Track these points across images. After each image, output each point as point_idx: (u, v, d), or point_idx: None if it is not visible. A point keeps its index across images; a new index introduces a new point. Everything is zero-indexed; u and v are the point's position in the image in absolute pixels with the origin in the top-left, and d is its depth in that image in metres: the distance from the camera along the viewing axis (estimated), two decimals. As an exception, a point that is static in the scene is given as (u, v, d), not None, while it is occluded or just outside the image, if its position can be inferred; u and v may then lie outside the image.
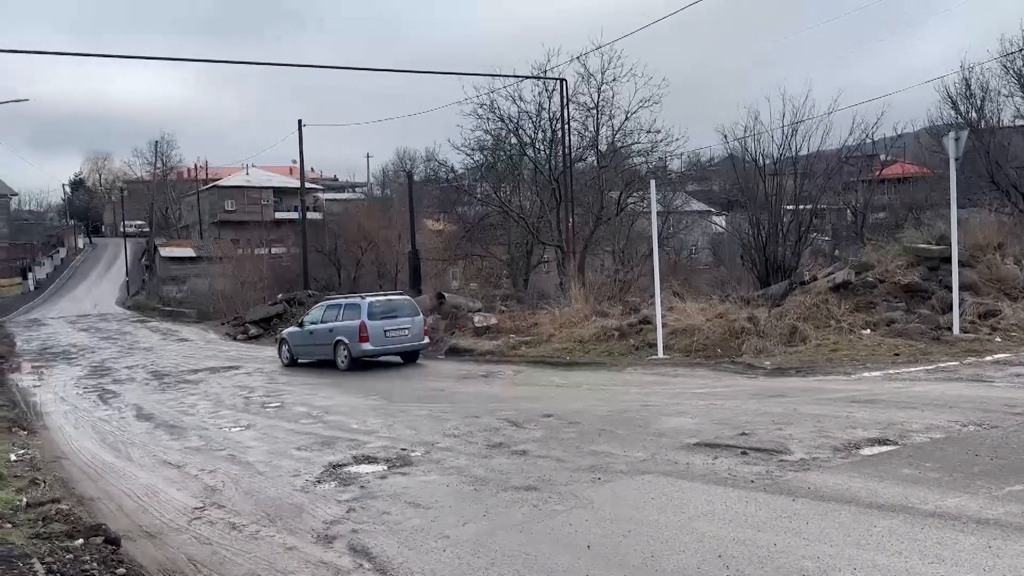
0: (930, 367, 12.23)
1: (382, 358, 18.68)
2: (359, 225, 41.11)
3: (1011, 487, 5.93)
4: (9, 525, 6.34)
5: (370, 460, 8.53)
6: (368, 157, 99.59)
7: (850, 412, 9.03)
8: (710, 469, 7.11)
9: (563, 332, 18.87)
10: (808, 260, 25.43)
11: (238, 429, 11.27)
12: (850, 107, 60.62)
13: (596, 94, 28.65)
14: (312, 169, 68.83)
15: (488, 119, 29.60)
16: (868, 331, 15.06)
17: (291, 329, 20.69)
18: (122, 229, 76.71)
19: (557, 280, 28.09)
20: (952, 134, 14.92)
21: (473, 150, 31.02)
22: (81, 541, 5.92)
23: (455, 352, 19.74)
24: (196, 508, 7.20)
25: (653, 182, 19.12)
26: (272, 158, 77.34)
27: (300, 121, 33.80)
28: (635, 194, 29.70)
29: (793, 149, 25.07)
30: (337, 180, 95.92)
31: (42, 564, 5.02)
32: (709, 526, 5.59)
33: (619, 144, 29.83)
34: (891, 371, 12.22)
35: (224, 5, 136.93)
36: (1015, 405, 8.87)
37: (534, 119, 29.67)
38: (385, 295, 20.12)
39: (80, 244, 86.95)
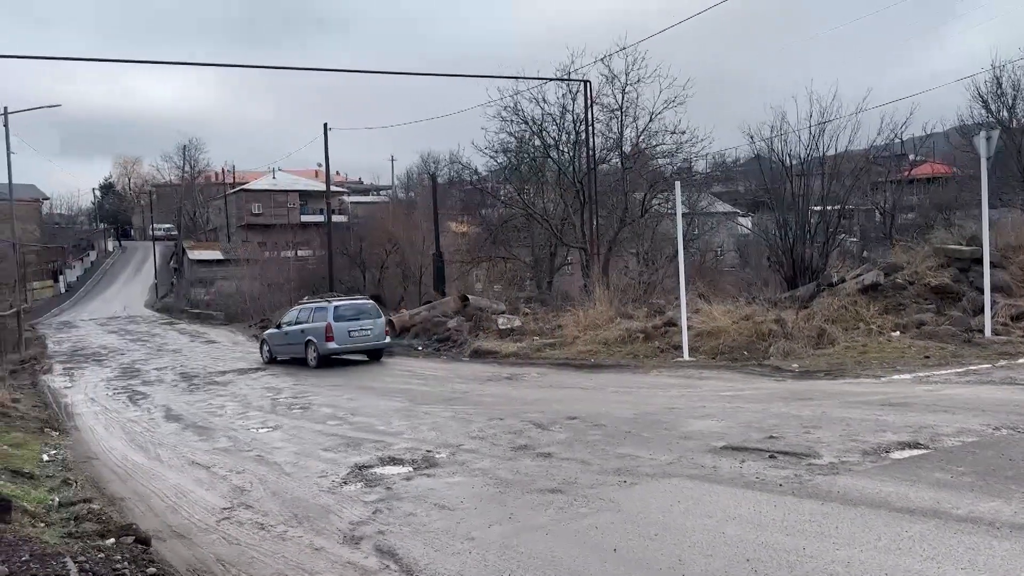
0: (961, 370, 12.04)
1: (346, 356, 20.37)
2: (384, 227, 41.39)
3: (1047, 492, 5.81)
4: (42, 524, 6.45)
5: (396, 461, 8.57)
6: (392, 160, 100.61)
7: (880, 415, 8.90)
8: (737, 472, 7.04)
9: (587, 334, 18.81)
10: (836, 261, 25.11)
11: (265, 430, 11.38)
12: (878, 107, 60.09)
13: (620, 95, 28.62)
14: (337, 172, 69.24)
15: (512, 121, 29.74)
16: (897, 333, 14.85)
17: (271, 330, 22.60)
18: (151, 232, 77.68)
19: (581, 282, 28.01)
20: (983, 133, 14.70)
21: (497, 152, 31.16)
22: (112, 540, 6.00)
23: (479, 354, 19.78)
24: (224, 508, 7.27)
25: (678, 183, 19.03)
26: (298, 161, 78.33)
27: (326, 125, 34.03)
28: (660, 195, 29.59)
29: (820, 149, 24.91)
30: (362, 183, 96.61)
31: (75, 563, 5.09)
32: (737, 530, 5.53)
33: (643, 145, 29.73)
34: (921, 374, 12.04)
35: (252, 9, 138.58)
36: (1050, 409, 8.70)
37: (558, 121, 29.74)
38: (350, 299, 21.84)
39: (110, 247, 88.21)
